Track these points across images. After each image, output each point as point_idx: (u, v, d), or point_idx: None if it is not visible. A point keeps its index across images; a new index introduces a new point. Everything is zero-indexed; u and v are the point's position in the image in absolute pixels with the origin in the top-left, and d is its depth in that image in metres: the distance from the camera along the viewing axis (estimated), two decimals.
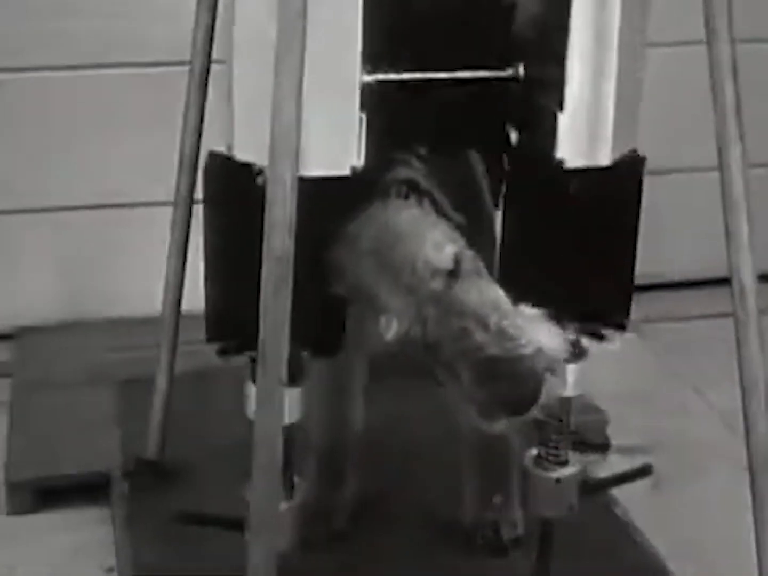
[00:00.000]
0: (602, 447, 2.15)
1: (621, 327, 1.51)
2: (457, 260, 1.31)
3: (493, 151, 1.45)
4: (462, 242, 1.35)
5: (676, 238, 2.67)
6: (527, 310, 1.31)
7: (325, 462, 1.76)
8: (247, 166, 1.33)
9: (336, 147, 1.31)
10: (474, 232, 1.41)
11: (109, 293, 2.45)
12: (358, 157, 1.32)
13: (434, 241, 1.32)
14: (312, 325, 1.40)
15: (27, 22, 2.33)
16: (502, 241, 1.49)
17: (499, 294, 1.32)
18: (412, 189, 1.38)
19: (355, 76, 1.30)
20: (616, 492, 1.91)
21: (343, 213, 1.35)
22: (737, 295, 1.29)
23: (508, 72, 1.39)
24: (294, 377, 1.42)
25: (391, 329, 1.31)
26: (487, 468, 1.74)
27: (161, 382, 1.84)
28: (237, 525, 1.41)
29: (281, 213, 1.19)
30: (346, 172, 1.32)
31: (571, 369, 1.54)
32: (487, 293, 1.31)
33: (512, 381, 1.26)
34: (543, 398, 1.28)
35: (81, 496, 1.99)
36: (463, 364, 1.27)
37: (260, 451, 1.23)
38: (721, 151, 1.29)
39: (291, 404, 1.43)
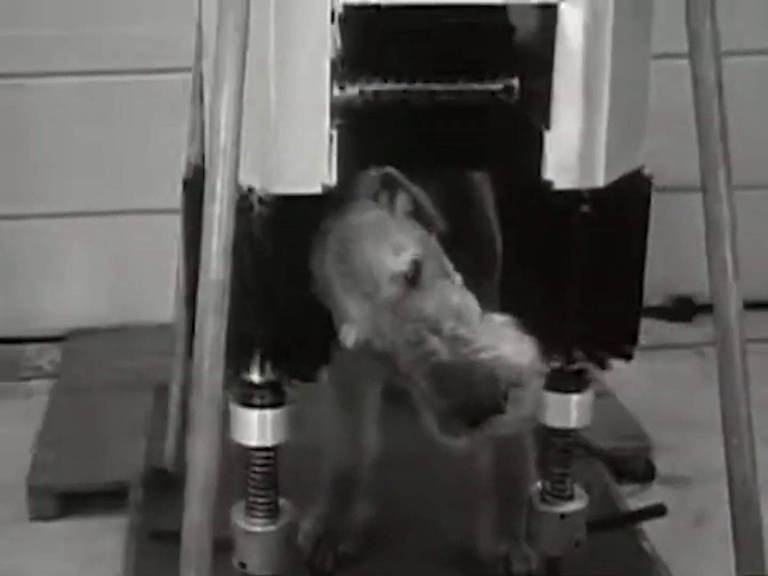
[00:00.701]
0: (644, 477, 2.06)
1: (627, 356, 1.44)
2: (417, 266, 1.26)
3: (482, 170, 1.39)
4: (433, 246, 1.29)
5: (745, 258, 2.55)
6: (496, 317, 1.25)
7: (336, 485, 1.72)
8: None
9: (307, 164, 1.27)
10: (466, 247, 1.34)
11: (161, 297, 2.44)
12: (330, 174, 1.27)
13: (394, 245, 1.27)
14: (294, 343, 1.35)
15: (45, 28, 2.35)
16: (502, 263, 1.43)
17: (464, 300, 1.26)
18: (387, 185, 1.31)
19: (325, 90, 1.25)
20: (653, 525, 1.84)
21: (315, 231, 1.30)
22: (720, 332, 1.19)
23: (496, 87, 1.33)
24: (277, 399, 1.39)
25: (350, 337, 1.27)
26: (501, 500, 1.68)
27: (175, 391, 1.82)
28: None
29: (218, 237, 1.14)
30: (317, 190, 1.28)
31: (575, 400, 1.48)
32: (449, 299, 1.25)
33: (467, 388, 1.19)
34: (511, 412, 1.20)
35: (106, 504, 1.97)
36: (419, 372, 1.22)
37: (194, 479, 1.18)
38: (704, 175, 1.20)
39: (275, 426, 1.40)
